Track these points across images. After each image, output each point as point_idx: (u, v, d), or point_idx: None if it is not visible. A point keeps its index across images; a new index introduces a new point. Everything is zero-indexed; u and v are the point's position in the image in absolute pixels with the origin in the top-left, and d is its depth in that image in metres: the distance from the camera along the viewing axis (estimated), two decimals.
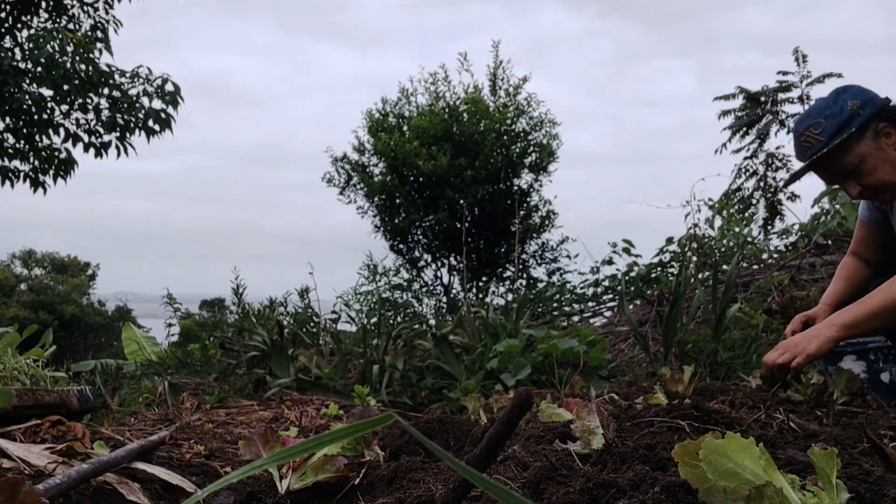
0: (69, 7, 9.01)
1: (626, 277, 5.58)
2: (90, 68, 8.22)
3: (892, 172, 2.26)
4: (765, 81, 17.23)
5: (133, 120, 8.51)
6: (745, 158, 17.18)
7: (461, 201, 13.72)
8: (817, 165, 2.29)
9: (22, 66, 8.22)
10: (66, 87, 8.20)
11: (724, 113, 17.35)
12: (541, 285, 7.96)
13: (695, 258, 5.65)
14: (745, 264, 5.49)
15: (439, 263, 14.79)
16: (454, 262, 14.54)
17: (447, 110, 14.50)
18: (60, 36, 8.05)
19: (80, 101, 8.48)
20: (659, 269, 5.64)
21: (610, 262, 5.97)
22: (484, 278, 14.53)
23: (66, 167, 8.86)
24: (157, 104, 8.63)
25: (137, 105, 8.52)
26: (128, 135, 8.61)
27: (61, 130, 8.65)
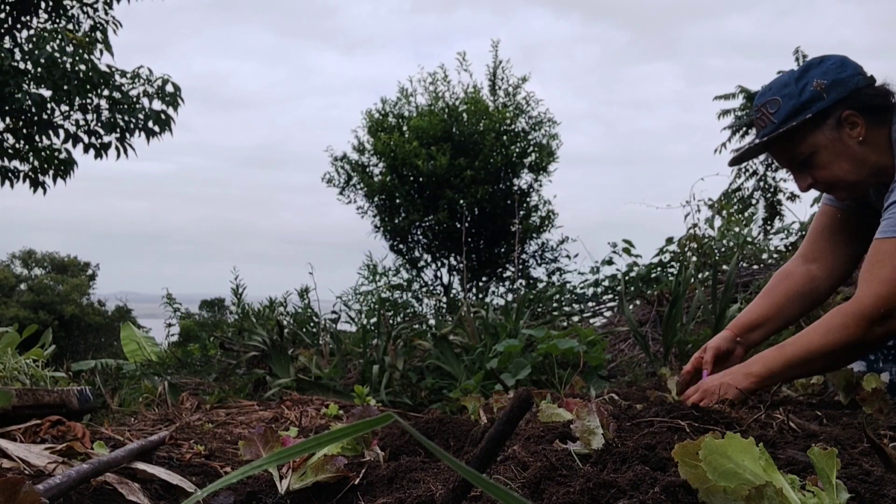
0: (69, 7, 9.02)
1: (626, 277, 5.58)
2: (90, 69, 8.23)
3: (849, 169, 1.95)
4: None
5: (133, 121, 8.52)
6: None
7: (461, 201, 13.72)
8: (769, 147, 2.02)
9: (22, 66, 8.22)
10: (65, 88, 8.21)
11: (724, 112, 17.36)
12: (541, 285, 7.96)
13: (694, 258, 5.65)
14: (744, 264, 5.49)
15: (439, 263, 14.79)
16: (454, 262, 14.54)
17: (446, 110, 14.50)
18: (60, 36, 8.05)
19: (80, 101, 8.49)
20: (659, 269, 5.64)
21: (610, 262, 5.98)
22: (484, 278, 14.53)
23: (65, 167, 8.87)
24: (157, 105, 8.64)
25: (137, 106, 8.53)
26: (127, 136, 8.62)
27: (61, 131, 8.66)
